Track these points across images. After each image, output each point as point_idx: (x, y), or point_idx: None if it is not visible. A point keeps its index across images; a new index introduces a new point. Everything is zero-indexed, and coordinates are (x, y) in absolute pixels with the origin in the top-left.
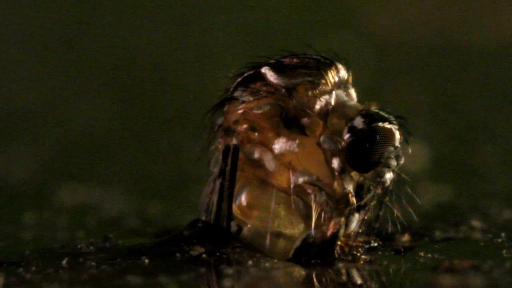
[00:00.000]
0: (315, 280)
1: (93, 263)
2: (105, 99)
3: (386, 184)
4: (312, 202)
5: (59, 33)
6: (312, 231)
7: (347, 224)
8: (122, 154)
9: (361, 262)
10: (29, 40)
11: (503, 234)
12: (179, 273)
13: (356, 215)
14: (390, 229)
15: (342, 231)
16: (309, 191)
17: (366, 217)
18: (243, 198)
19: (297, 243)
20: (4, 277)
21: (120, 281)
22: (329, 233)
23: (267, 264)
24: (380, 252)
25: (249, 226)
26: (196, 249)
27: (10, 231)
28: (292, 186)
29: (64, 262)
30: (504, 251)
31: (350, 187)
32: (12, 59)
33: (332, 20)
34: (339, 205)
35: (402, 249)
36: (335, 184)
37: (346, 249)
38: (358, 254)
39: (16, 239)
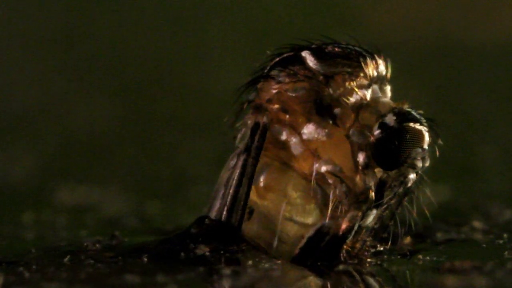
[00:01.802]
0: (320, 282)
1: (92, 261)
2: (105, 99)
3: (408, 185)
4: (331, 192)
5: (59, 33)
6: (327, 221)
7: (363, 219)
8: (121, 154)
9: (367, 265)
10: (29, 40)
11: (505, 235)
12: (182, 271)
13: (374, 211)
14: (400, 233)
15: (357, 226)
16: (330, 181)
17: (383, 214)
18: (262, 178)
19: (311, 231)
20: (3, 276)
21: (122, 280)
22: (344, 226)
23: (271, 265)
24: (385, 256)
25: (261, 208)
26: (201, 247)
27: (10, 231)
28: (314, 173)
29: (66, 260)
30: (506, 252)
31: (371, 183)
32: (12, 59)
33: (331, 19)
34: (358, 199)
35: (407, 252)
36: (357, 178)
37: (353, 253)
38: (364, 258)
39: (15, 239)
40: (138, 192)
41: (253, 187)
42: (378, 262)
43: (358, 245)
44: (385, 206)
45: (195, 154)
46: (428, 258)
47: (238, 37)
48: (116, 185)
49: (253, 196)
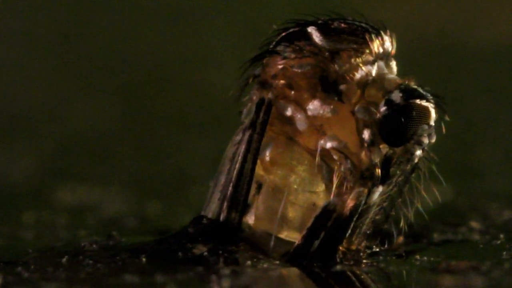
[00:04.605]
0: (317, 282)
1: (92, 261)
2: (105, 99)
3: (415, 161)
4: (336, 168)
5: (59, 33)
6: (333, 198)
7: (369, 195)
8: (121, 154)
9: (363, 266)
10: (29, 40)
11: (502, 236)
12: (179, 271)
13: (380, 188)
14: (394, 234)
15: (363, 203)
16: (335, 157)
17: (391, 192)
18: (267, 153)
19: (318, 210)
20: (2, 276)
21: (120, 280)
22: (350, 204)
23: (269, 265)
24: (381, 256)
25: (268, 182)
26: (199, 247)
27: (10, 230)
28: (319, 149)
29: (64, 260)
30: (504, 253)
31: (377, 160)
32: (12, 59)
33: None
34: (363, 176)
35: (403, 253)
36: (363, 154)
37: (349, 255)
38: (360, 259)
39: (15, 239)
40: (138, 192)
41: (259, 161)
42: (375, 263)
43: (354, 246)
44: (392, 183)
45: (195, 154)
46: (425, 258)
47: (239, 36)
48: (116, 185)
49: (260, 170)
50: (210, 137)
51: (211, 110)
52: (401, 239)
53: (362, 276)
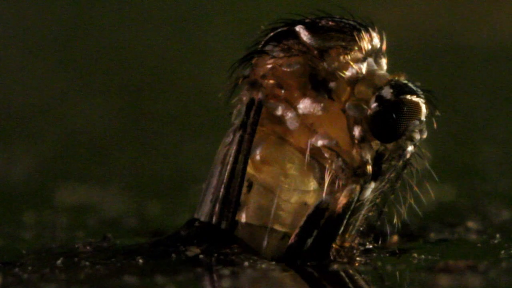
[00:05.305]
0: (311, 281)
1: (87, 263)
2: (105, 99)
3: (407, 157)
4: (328, 166)
5: (60, 33)
6: (325, 196)
7: (361, 192)
8: (121, 154)
9: (357, 264)
10: (29, 40)
11: (499, 235)
12: (174, 273)
13: (372, 184)
14: (388, 232)
15: (355, 200)
16: (326, 155)
17: (383, 189)
18: (258, 152)
19: (311, 208)
20: (1, 276)
21: (114, 281)
22: (343, 201)
23: (263, 266)
24: (375, 254)
25: (259, 181)
26: (192, 249)
27: (10, 230)
28: (310, 147)
29: (59, 261)
30: (502, 252)
31: (368, 157)
32: (12, 59)
33: None
34: (355, 173)
35: (397, 251)
36: (354, 151)
37: (342, 252)
38: (354, 256)
39: (15, 239)
40: (138, 192)
41: (250, 161)
42: (368, 261)
43: (347, 244)
44: (384, 179)
45: (195, 154)
46: (422, 257)
47: (239, 36)
48: (116, 185)
49: (250, 169)
50: (210, 137)
51: (211, 110)
52: (395, 238)
53: (356, 276)
